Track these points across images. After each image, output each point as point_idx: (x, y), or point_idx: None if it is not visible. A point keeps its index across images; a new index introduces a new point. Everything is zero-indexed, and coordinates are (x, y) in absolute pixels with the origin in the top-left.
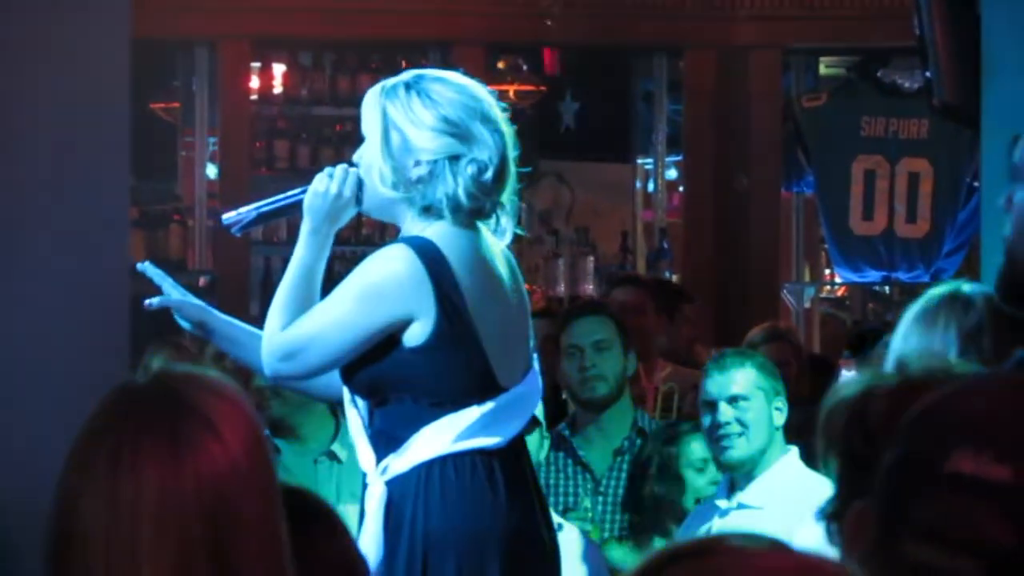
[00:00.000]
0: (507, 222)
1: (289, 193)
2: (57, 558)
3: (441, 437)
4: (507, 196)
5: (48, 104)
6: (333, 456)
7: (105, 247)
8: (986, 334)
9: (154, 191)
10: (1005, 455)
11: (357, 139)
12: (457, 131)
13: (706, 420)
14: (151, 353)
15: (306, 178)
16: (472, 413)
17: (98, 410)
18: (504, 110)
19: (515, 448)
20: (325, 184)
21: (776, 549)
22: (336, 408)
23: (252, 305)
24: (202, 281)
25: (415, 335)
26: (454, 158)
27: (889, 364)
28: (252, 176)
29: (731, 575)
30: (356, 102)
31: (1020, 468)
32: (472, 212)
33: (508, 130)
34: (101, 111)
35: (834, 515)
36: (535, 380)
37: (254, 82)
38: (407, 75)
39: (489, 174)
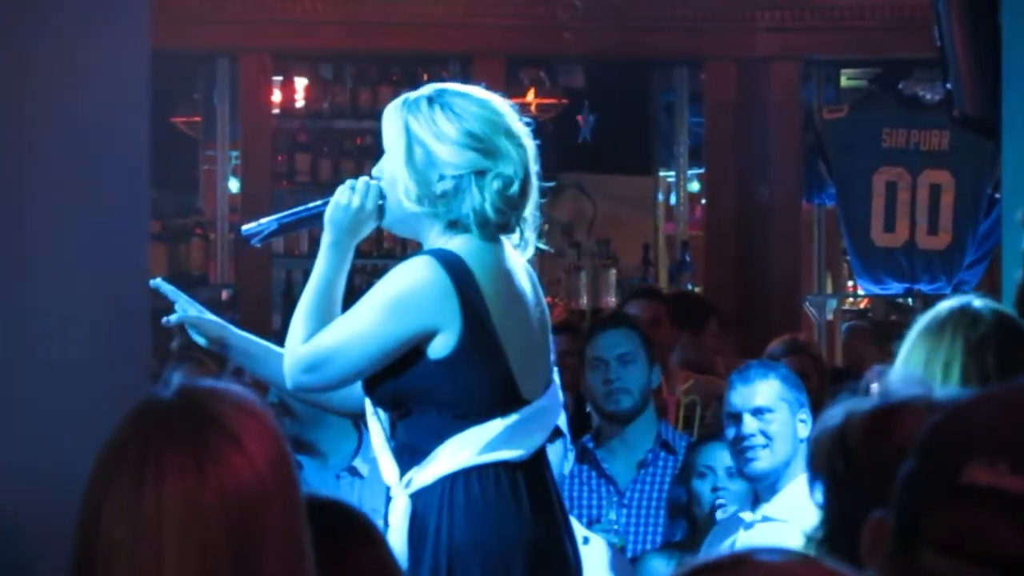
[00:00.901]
0: (530, 236)
1: (310, 205)
2: (82, 569)
3: (465, 449)
4: (530, 210)
5: (67, 117)
6: (355, 472)
7: (126, 261)
8: (991, 349)
9: (175, 205)
10: (1021, 466)
11: (378, 152)
12: (482, 146)
13: (730, 432)
14: (171, 367)
15: (327, 191)
16: (496, 425)
17: (123, 424)
18: (527, 124)
19: (538, 461)
20: (347, 197)
21: (807, 563)
22: (358, 423)
23: (274, 318)
24: (224, 295)
25: (440, 347)
26: (479, 173)
27: (894, 374)
28: (273, 189)
29: None
30: (377, 115)
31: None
32: (499, 226)
33: (531, 144)
34: (121, 124)
35: (822, 541)
36: (555, 393)
37: (275, 95)
38: (429, 89)
39: (515, 188)
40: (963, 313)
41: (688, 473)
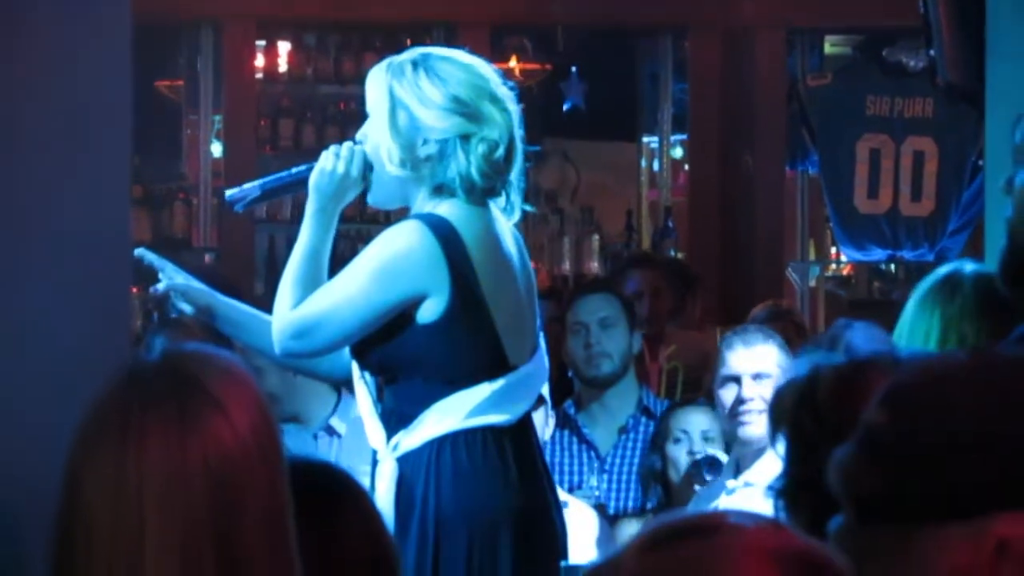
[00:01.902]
0: (516, 200)
1: (293, 170)
2: (63, 536)
3: (452, 414)
4: (515, 174)
5: (48, 83)
6: (332, 431)
7: (108, 227)
8: (969, 320)
9: (158, 170)
10: (887, 402)
11: (362, 118)
12: (467, 110)
13: (727, 394)
14: (154, 332)
15: (310, 157)
16: (483, 390)
17: (106, 389)
18: (511, 89)
19: (524, 426)
20: (332, 163)
21: (778, 528)
22: (337, 384)
23: (256, 283)
24: (206, 259)
25: (428, 312)
26: (464, 137)
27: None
28: (257, 155)
29: (736, 555)
30: (361, 81)
31: (896, 414)
32: (485, 191)
33: (515, 108)
34: (103, 89)
35: (782, 492)
36: (542, 359)
37: (259, 61)
38: (413, 53)
39: (500, 152)
40: (945, 282)
41: (662, 439)
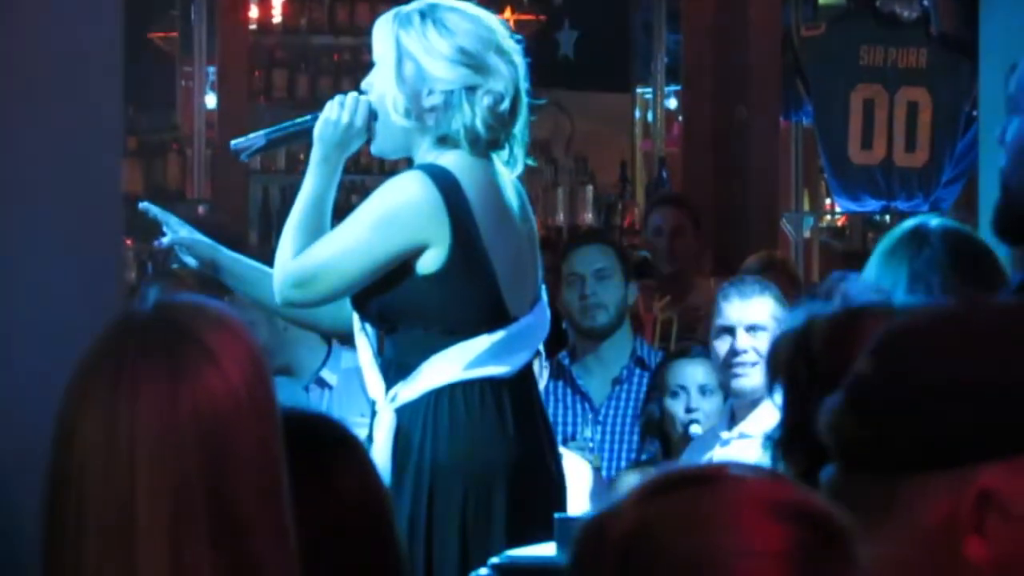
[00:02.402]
0: (519, 152)
1: (298, 120)
2: (54, 486)
3: (451, 365)
4: (519, 127)
5: (36, 33)
6: (323, 382)
7: (100, 178)
8: (936, 272)
9: (152, 121)
10: (875, 351)
11: (356, 68)
12: (473, 62)
13: (722, 345)
14: (148, 283)
15: (304, 107)
16: (482, 342)
17: (98, 339)
18: (517, 42)
19: (524, 378)
20: (337, 113)
21: (777, 480)
22: (328, 336)
23: (251, 234)
24: (200, 210)
25: (429, 262)
26: (470, 89)
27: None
28: (250, 106)
29: (735, 506)
30: (355, 32)
31: (882, 362)
32: (489, 143)
33: (520, 61)
34: (92, 39)
35: (778, 441)
36: (543, 311)
37: (252, 12)
38: (420, 3)
39: (505, 105)
40: (912, 236)
41: (660, 391)
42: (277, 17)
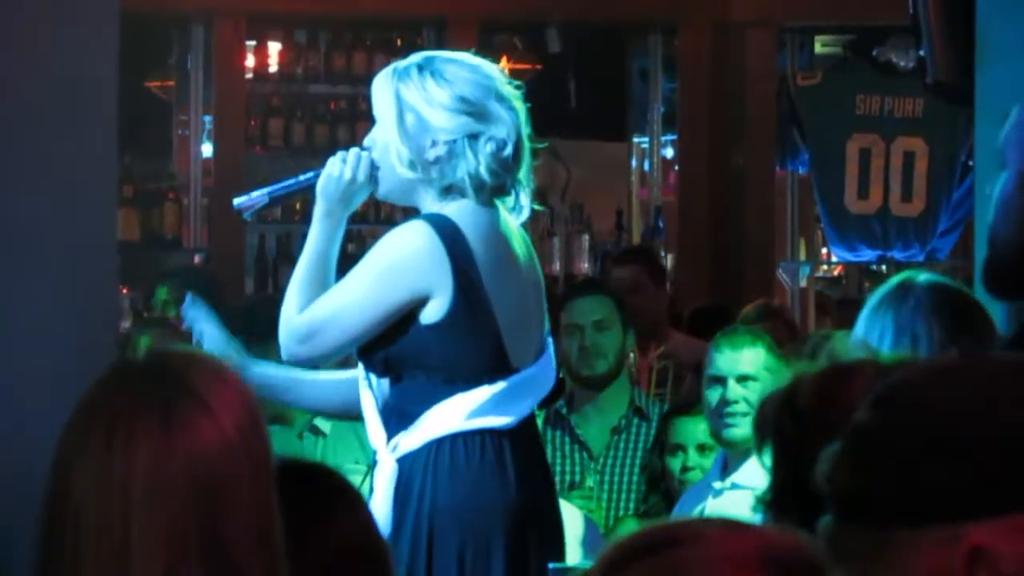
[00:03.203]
0: (525, 198)
1: (301, 177)
2: (49, 534)
3: (452, 415)
4: (523, 172)
5: (34, 82)
6: (317, 430)
7: (94, 226)
8: (920, 324)
9: (149, 169)
10: (874, 402)
11: (352, 117)
12: (474, 110)
13: (713, 395)
14: (139, 331)
15: (300, 156)
16: (483, 392)
17: (93, 387)
18: (517, 88)
19: (526, 428)
20: (339, 168)
21: (735, 530)
22: None
23: (247, 283)
24: (196, 259)
25: (432, 312)
26: (473, 137)
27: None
28: (247, 154)
29: (693, 570)
30: (351, 80)
31: (878, 414)
32: (494, 190)
33: (521, 107)
34: (89, 89)
35: (772, 501)
36: (548, 362)
37: (249, 60)
38: (418, 57)
39: (508, 151)
40: (898, 288)
41: (661, 446)
42: (274, 66)
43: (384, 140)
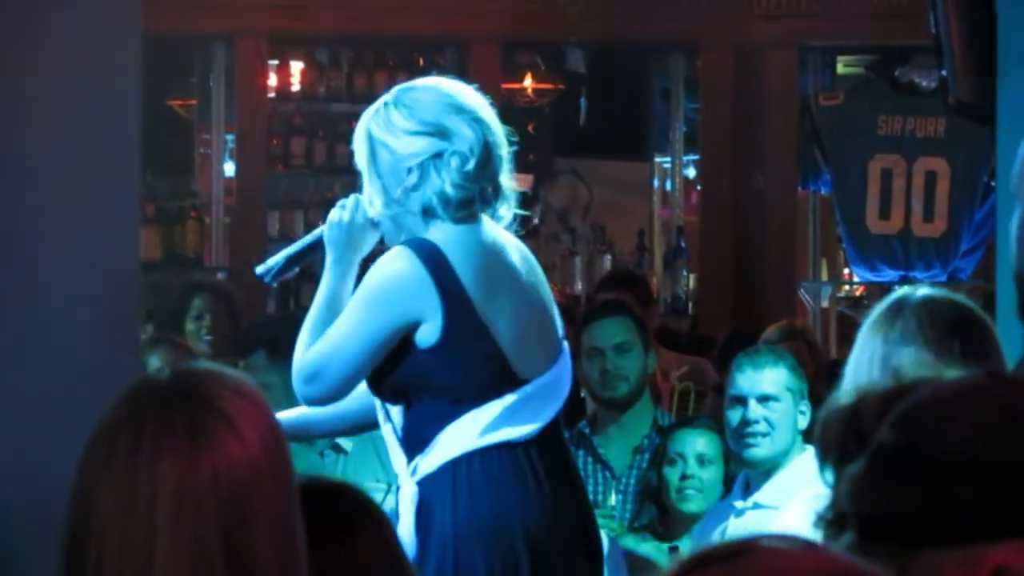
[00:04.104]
0: (505, 210)
1: (312, 234)
2: (72, 550)
3: (466, 433)
4: (498, 180)
5: (57, 101)
6: (339, 448)
7: (117, 245)
8: (908, 343)
9: (171, 188)
10: (896, 421)
11: None
12: (434, 129)
13: (734, 415)
14: (149, 350)
15: (322, 174)
16: (493, 408)
17: (117, 404)
18: (491, 102)
19: (549, 436)
20: (338, 214)
21: (810, 549)
22: None
23: (269, 302)
24: (218, 277)
25: (426, 336)
26: (437, 156)
27: (848, 369)
28: (268, 173)
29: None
30: (373, 99)
31: (901, 433)
32: (463, 203)
33: (490, 115)
34: (112, 107)
35: (832, 522)
36: (564, 366)
37: (271, 79)
38: (388, 94)
39: (472, 163)
40: (889, 308)
41: (660, 457)
42: (296, 84)
43: (367, 185)
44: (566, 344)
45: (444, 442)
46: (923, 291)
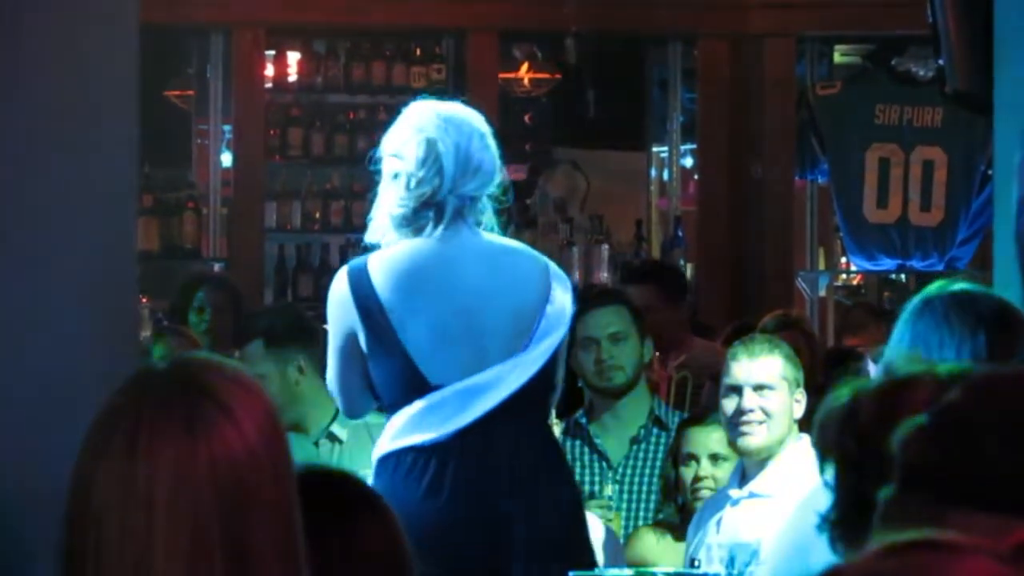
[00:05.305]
0: (489, 216)
1: None
2: (71, 540)
3: (384, 436)
4: (458, 185)
5: (54, 92)
6: (334, 437)
7: (114, 236)
8: (934, 333)
9: (168, 179)
10: (967, 383)
11: (371, 127)
12: (394, 151)
13: (729, 404)
14: (152, 340)
15: (320, 165)
16: (404, 412)
17: (116, 394)
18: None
19: (471, 441)
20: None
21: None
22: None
23: (266, 293)
24: (216, 268)
25: (363, 345)
26: (396, 176)
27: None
28: (266, 164)
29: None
30: (370, 90)
31: (966, 396)
32: (407, 217)
33: (438, 124)
34: (109, 98)
35: (836, 522)
36: (496, 373)
37: (268, 70)
38: None
39: (408, 179)
40: (920, 299)
41: (676, 456)
42: (293, 75)
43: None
44: (538, 346)
45: (377, 444)
46: (960, 285)
